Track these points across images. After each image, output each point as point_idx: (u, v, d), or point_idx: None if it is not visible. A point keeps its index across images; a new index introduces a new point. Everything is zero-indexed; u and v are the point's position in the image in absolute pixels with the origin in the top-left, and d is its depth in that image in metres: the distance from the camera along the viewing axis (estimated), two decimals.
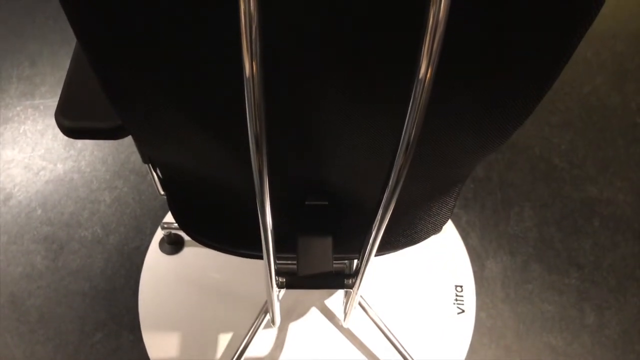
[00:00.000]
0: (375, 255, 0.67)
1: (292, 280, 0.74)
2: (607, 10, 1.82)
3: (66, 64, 1.61)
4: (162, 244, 1.30)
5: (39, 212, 1.35)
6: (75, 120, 0.64)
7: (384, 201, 0.53)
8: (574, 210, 1.40)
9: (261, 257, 0.66)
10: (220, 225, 0.79)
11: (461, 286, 1.28)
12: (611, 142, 1.52)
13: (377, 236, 0.59)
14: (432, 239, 1.35)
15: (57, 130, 1.48)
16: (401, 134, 0.44)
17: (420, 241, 0.82)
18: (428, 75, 0.38)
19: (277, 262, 0.75)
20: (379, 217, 0.56)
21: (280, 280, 0.73)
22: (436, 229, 0.80)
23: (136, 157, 1.44)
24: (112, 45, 0.40)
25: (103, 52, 0.41)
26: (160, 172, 0.81)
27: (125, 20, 0.38)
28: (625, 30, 1.76)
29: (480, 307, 1.26)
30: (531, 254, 1.33)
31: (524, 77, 0.45)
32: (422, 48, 0.36)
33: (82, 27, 0.39)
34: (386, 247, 0.81)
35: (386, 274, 1.29)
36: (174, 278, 1.26)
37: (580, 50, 1.71)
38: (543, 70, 0.44)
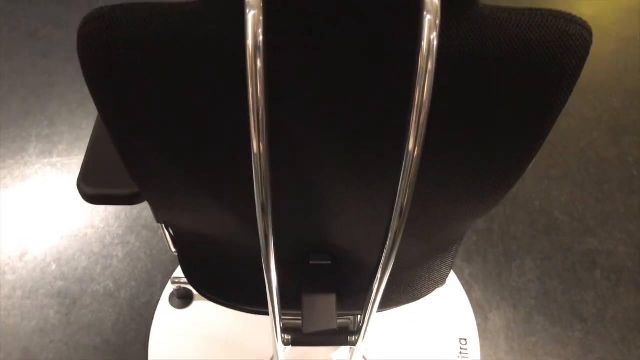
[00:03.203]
0: (378, 311, 0.70)
1: (297, 337, 0.77)
2: (603, 67, 1.89)
3: (83, 123, 1.68)
4: (172, 298, 1.33)
5: (54, 267, 1.40)
6: (96, 188, 0.69)
7: (382, 263, 0.57)
8: (575, 263, 1.42)
9: (267, 313, 0.70)
10: (229, 283, 0.83)
11: (465, 339, 1.29)
12: (610, 195, 1.55)
13: (377, 296, 0.63)
14: (436, 292, 1.37)
15: (73, 187, 1.54)
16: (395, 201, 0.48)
17: (421, 297, 0.85)
18: (416, 151, 0.43)
19: (283, 317, 0.78)
20: (378, 278, 0.60)
21: (286, 337, 0.76)
22: (436, 285, 0.84)
23: (148, 212, 1.49)
24: (139, 135, 0.46)
25: (130, 141, 0.46)
26: (172, 232, 0.86)
27: (150, 115, 0.44)
28: (620, 87, 1.83)
29: None
30: (534, 306, 1.35)
31: (505, 151, 0.50)
32: (409, 125, 0.41)
33: (113, 121, 0.44)
34: (388, 303, 0.84)
35: (390, 327, 1.31)
36: (183, 332, 1.29)
37: (577, 105, 1.77)
38: (522, 145, 0.49)
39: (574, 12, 0.41)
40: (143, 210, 1.49)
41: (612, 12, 2.06)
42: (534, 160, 0.52)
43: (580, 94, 1.80)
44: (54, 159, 1.60)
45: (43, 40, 1.92)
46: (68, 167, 1.58)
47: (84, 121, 1.69)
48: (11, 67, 1.84)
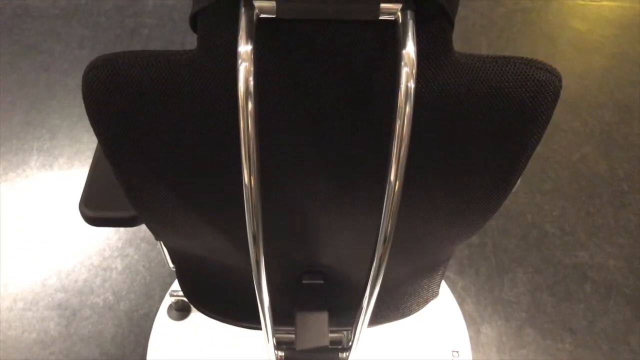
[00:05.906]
0: (368, 327, 0.73)
1: (290, 354, 0.79)
2: (595, 81, 1.93)
3: (84, 137, 1.71)
4: (170, 310, 1.36)
5: (54, 279, 1.42)
6: (97, 210, 0.72)
7: (369, 285, 0.60)
8: (566, 276, 1.45)
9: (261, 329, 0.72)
10: (226, 301, 0.85)
11: (457, 351, 1.32)
12: (600, 209, 1.58)
13: (365, 316, 0.66)
14: (429, 304, 1.40)
15: (73, 200, 1.57)
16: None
17: (411, 314, 0.88)
18: (397, 184, 0.46)
19: (276, 331, 0.81)
20: (366, 299, 0.63)
21: (279, 354, 0.79)
22: (425, 302, 0.87)
23: None
24: (138, 170, 0.49)
25: (129, 174, 0.49)
26: (170, 250, 0.88)
27: (148, 153, 0.47)
28: (611, 101, 1.86)
29: None
30: (525, 319, 1.38)
31: (482, 185, 0.53)
32: (390, 159, 0.44)
33: (113, 156, 0.47)
34: (379, 320, 0.87)
35: (383, 340, 1.33)
36: (181, 344, 1.31)
37: (568, 120, 1.80)
38: (499, 179, 0.52)
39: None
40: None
41: (604, 27, 2.09)
42: (518, 183, 0.55)
43: (572, 108, 1.83)
44: (55, 172, 1.63)
45: (44, 53, 1.96)
46: (68, 180, 1.61)
47: (84, 135, 1.72)
48: (13, 80, 1.87)
